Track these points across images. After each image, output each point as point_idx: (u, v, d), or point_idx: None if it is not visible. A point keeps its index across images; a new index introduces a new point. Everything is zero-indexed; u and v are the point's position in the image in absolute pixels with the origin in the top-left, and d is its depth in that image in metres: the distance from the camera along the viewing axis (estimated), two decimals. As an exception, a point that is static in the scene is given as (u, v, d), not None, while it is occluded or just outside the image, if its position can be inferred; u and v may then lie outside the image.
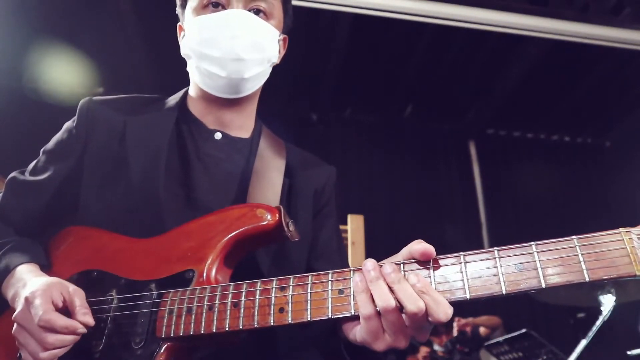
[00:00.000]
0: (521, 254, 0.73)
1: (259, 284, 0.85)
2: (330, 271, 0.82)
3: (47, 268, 1.06)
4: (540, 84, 5.49)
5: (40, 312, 0.86)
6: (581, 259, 0.70)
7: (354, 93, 5.70)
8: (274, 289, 0.83)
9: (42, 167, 1.16)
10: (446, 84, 5.54)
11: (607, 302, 2.33)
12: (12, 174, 1.18)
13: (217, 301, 0.86)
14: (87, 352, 0.92)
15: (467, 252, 0.76)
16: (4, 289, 1.01)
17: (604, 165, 6.26)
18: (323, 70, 5.24)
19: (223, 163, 1.15)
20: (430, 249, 0.77)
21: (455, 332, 4.24)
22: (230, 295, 0.85)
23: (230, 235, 0.95)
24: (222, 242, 0.95)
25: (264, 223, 0.95)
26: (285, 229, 0.95)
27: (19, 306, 0.91)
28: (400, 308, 0.73)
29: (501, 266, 0.73)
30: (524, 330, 3.24)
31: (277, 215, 0.95)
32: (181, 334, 0.86)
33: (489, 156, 6.25)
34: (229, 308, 0.84)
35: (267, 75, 1.21)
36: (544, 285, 0.70)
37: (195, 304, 0.87)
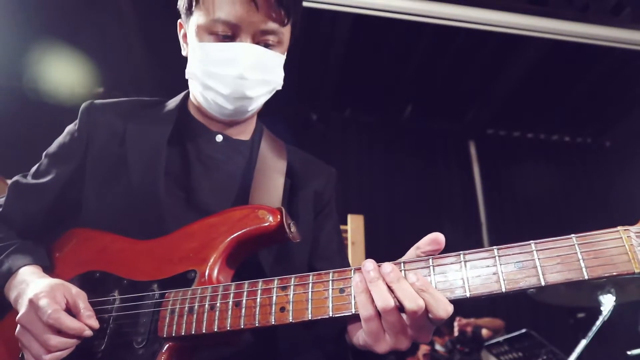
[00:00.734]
0: (520, 253, 0.74)
1: (260, 283, 0.85)
2: (331, 270, 0.82)
3: (49, 270, 1.06)
4: (540, 84, 5.49)
5: (49, 310, 0.87)
6: (580, 257, 0.70)
7: (354, 93, 5.70)
8: (275, 289, 0.84)
9: (45, 170, 1.17)
10: (446, 84, 5.55)
11: (607, 302, 2.33)
12: (15, 178, 1.19)
13: (218, 301, 0.86)
14: (89, 352, 0.92)
15: (466, 251, 0.76)
16: (6, 290, 1.02)
17: (604, 165, 6.26)
18: (323, 70, 5.24)
19: (224, 165, 1.15)
20: (439, 235, 0.78)
21: (456, 332, 4.25)
22: (231, 295, 0.86)
23: (232, 237, 0.96)
24: (224, 243, 0.95)
25: (266, 224, 0.95)
26: (287, 230, 0.96)
27: (22, 308, 0.92)
28: (400, 308, 0.74)
29: (501, 265, 0.74)
30: (524, 330, 3.24)
31: (279, 216, 0.96)
32: (183, 334, 0.86)
33: (489, 156, 6.25)
34: (230, 307, 0.85)
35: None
36: (543, 283, 0.70)
37: (197, 303, 0.88)
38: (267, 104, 1.22)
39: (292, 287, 0.83)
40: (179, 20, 1.22)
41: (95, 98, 1.22)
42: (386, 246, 4.56)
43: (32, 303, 0.90)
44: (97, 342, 0.92)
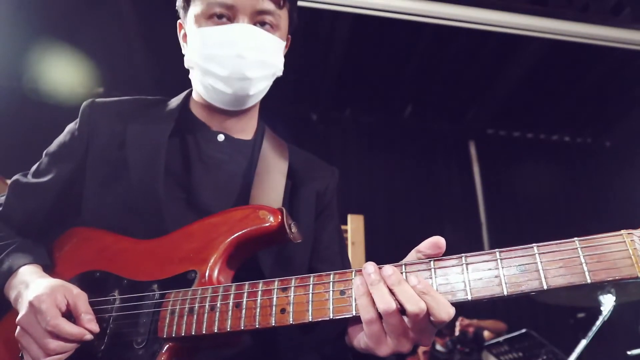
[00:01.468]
0: (523, 256, 0.73)
1: (260, 284, 0.85)
2: (332, 272, 0.82)
3: (49, 269, 1.06)
4: (540, 84, 5.49)
5: (48, 317, 0.87)
6: (583, 260, 0.70)
7: (354, 93, 5.70)
8: (275, 290, 0.84)
9: (45, 169, 1.17)
10: (446, 84, 5.55)
11: (607, 302, 2.33)
12: (15, 177, 1.19)
13: (219, 301, 0.86)
14: (90, 352, 0.92)
15: (468, 254, 0.76)
16: (6, 290, 1.01)
17: (604, 165, 6.26)
18: (323, 70, 5.24)
19: (225, 165, 1.15)
20: (440, 239, 0.78)
21: (457, 332, 4.24)
22: (232, 296, 0.86)
23: (232, 237, 0.95)
24: (224, 244, 0.95)
25: (267, 224, 0.95)
26: (288, 230, 0.96)
27: (22, 310, 0.92)
28: (401, 310, 0.73)
29: (503, 267, 0.73)
30: (524, 330, 3.24)
31: (280, 216, 0.95)
32: (183, 335, 0.86)
33: (489, 156, 6.25)
34: (230, 308, 0.85)
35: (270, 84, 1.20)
36: (545, 287, 0.70)
37: (197, 304, 0.87)
38: (267, 104, 1.21)
39: (292, 288, 0.83)
40: (178, 21, 1.22)
41: (95, 98, 1.21)
42: (386, 246, 4.56)
43: (33, 306, 0.89)
44: (97, 343, 0.92)
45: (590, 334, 2.26)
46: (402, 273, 0.77)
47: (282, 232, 0.95)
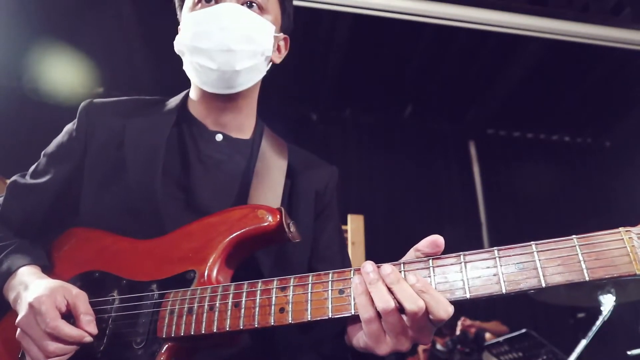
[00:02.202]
0: (521, 254, 0.73)
1: (259, 284, 0.85)
2: (330, 271, 0.82)
3: (48, 269, 1.06)
4: (540, 84, 5.48)
5: (47, 319, 0.87)
6: (581, 258, 0.70)
7: (354, 93, 5.70)
8: (274, 289, 0.84)
9: (43, 170, 1.17)
10: (446, 84, 5.54)
11: (607, 302, 2.33)
12: (13, 178, 1.19)
13: (218, 301, 0.86)
14: (89, 352, 0.92)
15: (467, 252, 0.76)
16: (5, 291, 1.01)
17: (604, 165, 6.25)
18: (323, 70, 5.24)
19: (224, 164, 1.15)
20: (438, 237, 0.78)
21: (458, 332, 4.24)
22: (231, 296, 0.86)
23: (231, 236, 0.96)
24: (223, 243, 0.95)
25: (265, 224, 0.95)
26: (286, 230, 0.96)
27: (22, 311, 0.91)
28: (400, 309, 0.73)
29: (501, 266, 0.73)
30: (524, 330, 3.24)
31: (278, 216, 0.95)
32: (182, 334, 0.86)
33: (489, 156, 6.24)
34: (229, 308, 0.85)
35: (263, 72, 1.19)
36: (543, 285, 0.70)
37: (196, 304, 0.87)
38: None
39: (291, 287, 0.83)
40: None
41: (95, 98, 1.22)
42: (386, 246, 4.55)
43: (32, 307, 0.89)
44: (96, 343, 0.92)
45: (590, 334, 2.26)
46: (400, 272, 0.77)
47: (280, 231, 0.96)
